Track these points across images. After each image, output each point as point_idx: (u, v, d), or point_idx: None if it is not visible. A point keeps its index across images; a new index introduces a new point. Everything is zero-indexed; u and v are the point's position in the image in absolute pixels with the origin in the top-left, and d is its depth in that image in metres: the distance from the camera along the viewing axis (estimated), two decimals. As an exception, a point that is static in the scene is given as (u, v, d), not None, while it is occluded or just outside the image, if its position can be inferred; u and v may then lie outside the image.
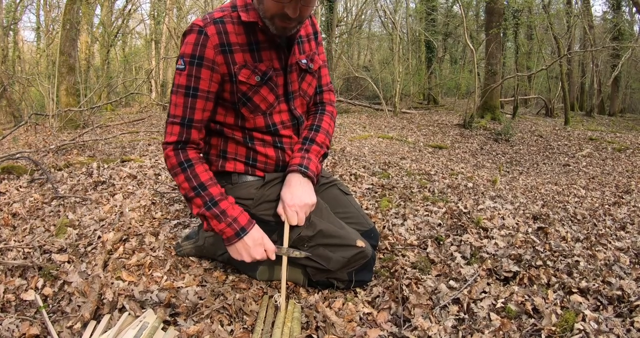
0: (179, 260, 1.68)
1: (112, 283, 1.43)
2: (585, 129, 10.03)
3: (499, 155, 7.53)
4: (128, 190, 2.53)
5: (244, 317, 1.35)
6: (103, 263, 1.59)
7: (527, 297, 1.42)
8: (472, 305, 1.39)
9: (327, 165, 3.58)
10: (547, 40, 16.01)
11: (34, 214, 2.22)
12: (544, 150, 7.88)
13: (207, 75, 1.28)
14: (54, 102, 6.72)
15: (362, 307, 1.40)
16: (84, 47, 11.76)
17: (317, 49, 1.49)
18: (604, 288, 1.48)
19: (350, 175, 3.22)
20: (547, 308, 1.35)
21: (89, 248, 1.74)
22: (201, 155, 1.41)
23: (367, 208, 2.38)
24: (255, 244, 1.31)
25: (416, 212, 2.34)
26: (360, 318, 1.35)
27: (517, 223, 2.24)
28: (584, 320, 1.28)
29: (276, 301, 1.41)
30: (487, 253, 1.79)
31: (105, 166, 3.08)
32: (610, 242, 2.08)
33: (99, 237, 1.84)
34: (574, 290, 1.48)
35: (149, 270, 1.57)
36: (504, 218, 2.30)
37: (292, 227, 1.37)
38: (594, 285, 1.51)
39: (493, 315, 1.32)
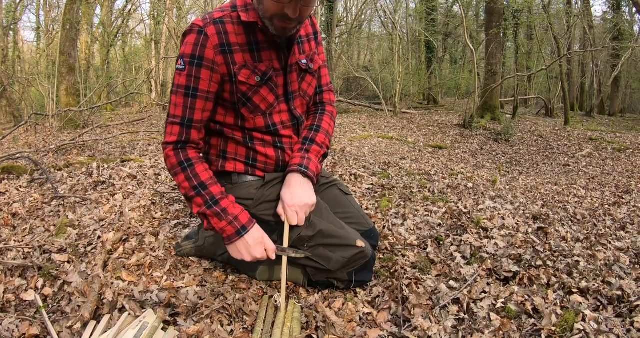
0: (179, 260, 1.68)
1: (112, 283, 1.43)
2: (585, 129, 10.04)
3: (499, 155, 7.53)
4: (128, 190, 2.53)
5: (244, 317, 1.35)
6: (103, 263, 1.59)
7: (527, 297, 1.42)
8: (472, 305, 1.39)
9: (327, 165, 3.58)
10: (547, 40, 16.01)
11: (33, 214, 2.22)
12: (544, 150, 7.88)
13: (207, 76, 1.28)
14: (54, 102, 6.72)
15: (362, 307, 1.40)
16: (84, 47, 11.76)
17: (317, 49, 1.49)
18: (604, 289, 1.48)
19: (350, 175, 3.22)
20: (547, 308, 1.35)
21: (88, 248, 1.74)
22: (201, 154, 1.41)
23: (367, 208, 2.38)
24: (255, 243, 1.31)
25: (416, 212, 2.34)
26: (360, 319, 1.35)
27: (517, 224, 2.24)
28: (584, 320, 1.28)
29: (276, 301, 1.41)
30: (487, 253, 1.79)
31: (105, 166, 3.08)
32: (610, 242, 2.08)
33: (99, 237, 1.84)
34: (574, 290, 1.48)
35: (149, 270, 1.57)
36: (504, 219, 2.30)
37: (292, 227, 1.37)
38: (594, 285, 1.51)
39: (493, 315, 1.32)
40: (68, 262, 1.62)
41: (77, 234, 1.88)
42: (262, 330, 1.27)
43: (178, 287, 1.46)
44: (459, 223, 2.15)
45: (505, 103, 15.17)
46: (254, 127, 1.39)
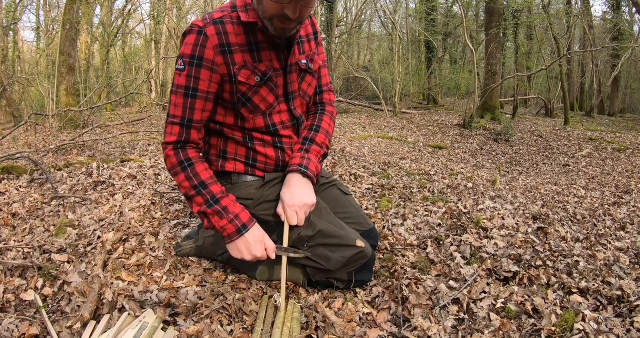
0: (178, 260, 1.68)
1: (112, 283, 1.43)
2: (585, 129, 10.04)
3: (499, 156, 7.53)
4: (128, 190, 2.53)
5: (244, 317, 1.35)
6: (103, 263, 1.59)
7: (527, 297, 1.42)
8: (472, 305, 1.39)
9: (327, 165, 3.58)
10: (547, 41, 16.01)
11: (33, 214, 2.22)
12: (544, 150, 7.88)
13: (206, 76, 1.28)
14: (54, 102, 6.72)
15: (362, 307, 1.40)
16: (84, 47, 11.76)
17: (317, 49, 1.49)
18: (603, 289, 1.48)
19: (350, 175, 3.22)
20: (547, 308, 1.35)
21: (88, 249, 1.74)
22: (201, 154, 1.41)
23: (367, 209, 2.38)
24: (256, 242, 1.31)
25: (416, 212, 2.34)
26: (360, 319, 1.35)
27: (517, 224, 2.24)
28: (583, 320, 1.28)
29: (276, 301, 1.41)
30: (487, 254, 1.79)
31: (105, 166, 3.08)
32: (610, 242, 2.08)
33: (99, 237, 1.84)
34: (574, 290, 1.48)
35: (149, 270, 1.57)
36: (503, 219, 2.30)
37: (292, 227, 1.37)
38: (593, 285, 1.51)
39: (493, 316, 1.32)
40: (68, 262, 1.62)
41: (77, 234, 1.88)
42: (262, 330, 1.27)
43: (178, 287, 1.46)
44: (459, 224, 2.15)
45: (505, 103, 15.17)
46: (253, 127, 1.39)
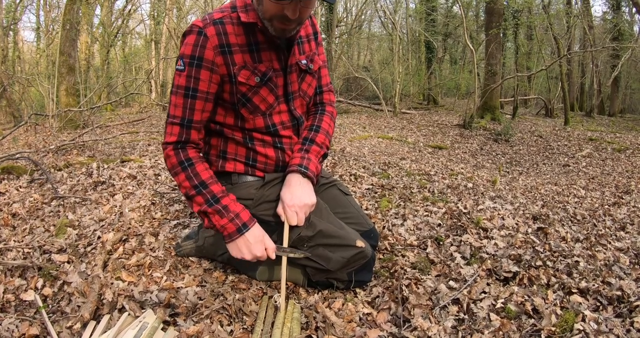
0: (178, 260, 1.68)
1: (112, 283, 1.43)
2: (585, 129, 10.04)
3: (499, 156, 7.53)
4: (128, 190, 2.53)
5: (244, 317, 1.35)
6: (103, 263, 1.59)
7: (526, 297, 1.42)
8: (472, 305, 1.39)
9: (327, 166, 3.58)
10: (547, 41, 16.02)
11: (33, 214, 2.22)
12: (544, 150, 7.88)
13: (206, 77, 1.28)
14: (53, 102, 6.72)
15: (362, 307, 1.40)
16: (84, 47, 11.76)
17: (317, 49, 1.49)
18: (603, 289, 1.48)
19: (350, 175, 3.22)
20: (546, 308, 1.35)
21: (88, 249, 1.74)
22: (201, 154, 1.41)
23: (367, 209, 2.38)
24: (256, 241, 1.31)
25: (416, 213, 2.34)
26: (360, 319, 1.35)
27: (516, 224, 2.24)
28: (583, 320, 1.28)
29: (276, 301, 1.41)
30: (487, 254, 1.79)
31: (105, 166, 3.08)
32: (610, 243, 2.08)
33: (99, 237, 1.84)
34: (574, 290, 1.48)
35: (149, 270, 1.57)
36: (503, 219, 2.30)
37: (291, 227, 1.37)
38: (593, 285, 1.51)
39: (493, 316, 1.32)
40: (68, 262, 1.62)
41: (77, 234, 1.88)
42: (262, 330, 1.27)
43: (178, 287, 1.46)
44: (459, 224, 2.15)
45: (505, 103, 15.18)
46: (253, 127, 1.39)
